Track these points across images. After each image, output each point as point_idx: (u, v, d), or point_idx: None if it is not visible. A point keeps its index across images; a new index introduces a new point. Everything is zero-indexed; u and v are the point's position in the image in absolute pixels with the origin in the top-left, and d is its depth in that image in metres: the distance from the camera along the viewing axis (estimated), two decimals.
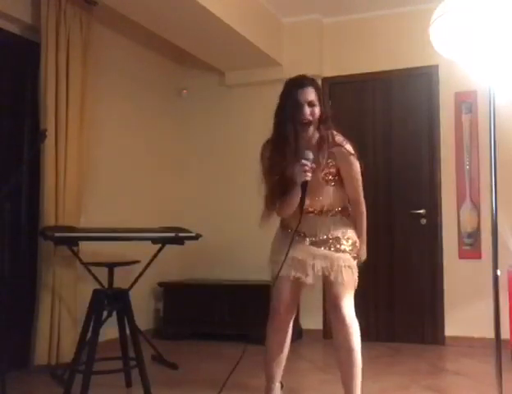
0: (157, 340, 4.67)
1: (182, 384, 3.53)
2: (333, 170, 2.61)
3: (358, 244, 2.69)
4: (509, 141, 3.94)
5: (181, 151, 5.57)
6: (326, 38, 5.16)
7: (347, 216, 2.73)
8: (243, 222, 5.17)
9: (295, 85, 2.54)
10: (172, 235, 3.75)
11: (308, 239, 2.67)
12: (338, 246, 2.64)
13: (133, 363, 3.23)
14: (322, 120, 2.57)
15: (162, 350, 4.06)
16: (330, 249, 2.63)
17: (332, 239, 2.65)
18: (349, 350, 2.55)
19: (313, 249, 2.64)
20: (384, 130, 4.96)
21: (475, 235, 4.61)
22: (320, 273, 2.57)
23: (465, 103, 4.71)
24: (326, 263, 2.58)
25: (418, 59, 4.75)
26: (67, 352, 3.76)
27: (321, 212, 2.68)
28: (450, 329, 4.63)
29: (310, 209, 2.66)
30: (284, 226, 2.77)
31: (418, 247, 4.80)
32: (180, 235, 3.78)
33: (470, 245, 4.62)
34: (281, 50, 5.10)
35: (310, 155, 2.44)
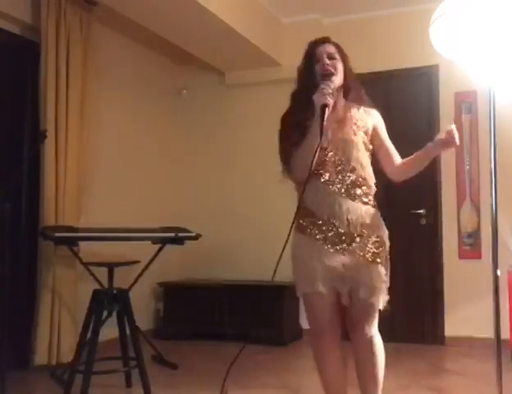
0: (157, 340, 4.67)
1: (182, 384, 3.53)
2: (366, 134, 2.31)
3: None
4: (509, 141, 3.93)
5: (181, 151, 5.57)
6: None
7: (377, 207, 2.31)
8: (243, 222, 5.17)
9: (316, 43, 2.37)
10: (172, 235, 3.75)
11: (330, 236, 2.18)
12: (374, 252, 2.20)
13: (133, 363, 3.23)
14: (348, 78, 2.32)
15: (162, 350, 4.06)
16: (364, 254, 2.18)
17: (369, 240, 2.21)
18: (371, 369, 2.33)
19: (340, 256, 2.17)
20: None
21: (475, 235, 4.61)
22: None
23: (465, 103, 4.70)
24: (360, 279, 2.18)
25: (418, 59, 4.75)
26: (67, 352, 3.76)
27: (350, 191, 2.21)
28: (450, 329, 4.63)
29: (333, 186, 2.19)
30: (304, 227, 2.23)
31: (418, 247, 4.79)
32: (180, 235, 3.78)
33: (470, 245, 4.62)
34: (281, 50, 5.10)
35: (331, 84, 2.15)
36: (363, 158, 2.29)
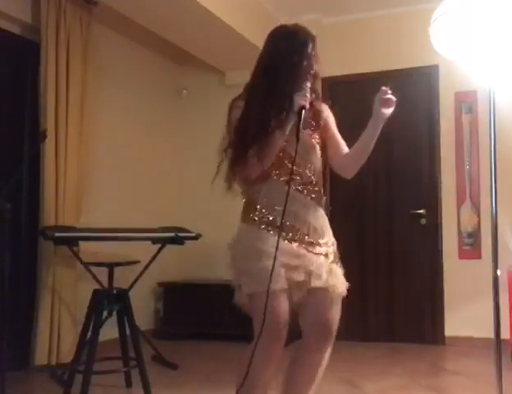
0: (157, 340, 4.67)
1: (182, 384, 3.53)
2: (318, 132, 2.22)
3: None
4: (509, 141, 3.94)
5: (181, 151, 5.57)
6: (326, 38, 5.15)
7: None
8: None
9: (312, 37, 2.17)
10: (172, 235, 3.75)
11: (293, 236, 2.07)
12: (332, 252, 2.16)
13: (133, 363, 3.23)
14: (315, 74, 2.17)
15: (162, 350, 4.06)
16: (325, 255, 2.12)
17: (328, 241, 2.16)
18: (320, 369, 2.15)
19: (306, 253, 2.07)
20: (384, 130, 4.91)
21: (475, 235, 4.61)
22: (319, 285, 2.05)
23: (465, 103, 4.70)
24: (329, 277, 2.09)
25: (418, 59, 4.75)
26: (67, 352, 3.76)
27: (310, 191, 2.14)
28: (450, 329, 4.63)
29: (299, 186, 2.11)
30: (252, 218, 2.11)
31: (418, 247, 4.79)
32: (180, 235, 3.78)
33: (470, 245, 4.62)
34: None
35: (308, 85, 2.06)
36: (318, 160, 2.21)
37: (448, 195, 4.72)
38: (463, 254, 4.65)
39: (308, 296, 2.07)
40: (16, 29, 3.92)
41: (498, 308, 2.37)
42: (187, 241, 3.85)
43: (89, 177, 4.21)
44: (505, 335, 3.02)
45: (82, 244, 3.58)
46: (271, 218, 2.08)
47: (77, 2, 4.03)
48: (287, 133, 2.04)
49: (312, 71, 2.13)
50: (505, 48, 2.36)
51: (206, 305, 4.95)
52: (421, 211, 4.78)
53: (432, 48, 2.51)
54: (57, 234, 3.37)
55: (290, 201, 2.00)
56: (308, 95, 2.05)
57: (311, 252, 2.08)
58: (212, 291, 4.98)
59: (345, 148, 2.28)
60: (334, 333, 2.13)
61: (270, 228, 2.07)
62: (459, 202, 4.69)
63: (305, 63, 2.11)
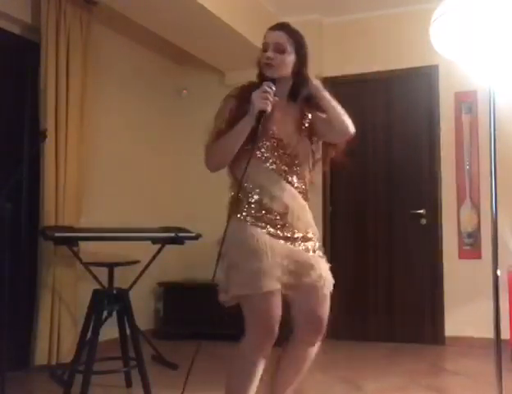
0: (157, 340, 4.67)
1: (182, 384, 3.52)
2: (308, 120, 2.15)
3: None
4: (509, 141, 3.94)
5: (181, 151, 5.57)
6: (326, 39, 5.16)
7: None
8: None
9: (269, 29, 2.15)
10: (172, 235, 3.75)
11: (281, 231, 2.04)
12: (317, 247, 2.14)
13: (133, 363, 3.23)
14: (297, 72, 2.11)
15: (162, 350, 4.06)
16: (313, 251, 2.10)
17: (314, 236, 2.14)
18: (308, 361, 2.20)
19: (292, 249, 2.04)
20: (384, 131, 4.96)
21: (475, 235, 4.60)
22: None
23: (465, 103, 4.70)
24: (318, 273, 2.08)
25: (418, 59, 4.75)
26: (67, 352, 3.76)
27: (292, 181, 2.11)
28: (450, 329, 4.63)
29: (289, 179, 2.09)
30: (241, 213, 2.10)
31: (418, 247, 4.79)
32: (180, 235, 3.78)
33: (470, 245, 4.62)
34: None
35: (271, 85, 2.00)
36: (306, 150, 2.17)
37: (448, 195, 4.72)
38: (463, 254, 4.64)
39: (299, 293, 2.08)
40: (16, 29, 3.92)
41: (498, 308, 2.38)
42: (187, 241, 3.85)
43: (89, 177, 4.21)
44: (505, 335, 3.03)
45: (82, 244, 3.59)
46: (260, 213, 2.06)
47: (77, 2, 4.03)
48: (241, 135, 1.98)
49: (265, 61, 2.07)
50: (505, 48, 2.36)
51: (206, 305, 4.93)
52: (421, 211, 4.78)
53: (432, 48, 2.51)
54: (57, 234, 3.37)
55: (279, 190, 2.03)
56: (270, 98, 1.97)
57: (300, 248, 2.07)
58: (212, 291, 4.97)
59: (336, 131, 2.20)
60: (324, 328, 2.16)
61: (260, 224, 2.04)
62: (459, 202, 4.68)
63: (261, 56, 2.11)
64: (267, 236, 2.01)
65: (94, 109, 4.30)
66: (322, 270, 2.10)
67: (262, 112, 1.97)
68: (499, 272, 2.38)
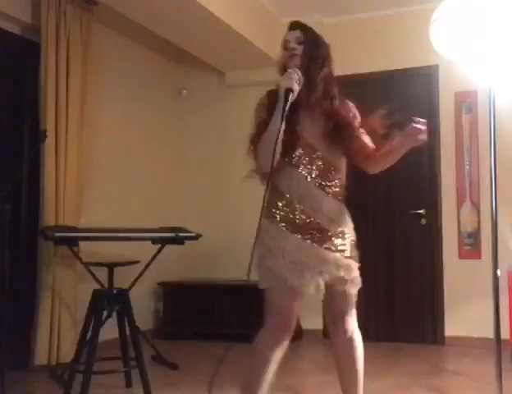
0: (157, 340, 4.67)
1: (182, 384, 3.53)
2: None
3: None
4: (509, 141, 3.94)
5: (181, 151, 5.57)
6: (326, 38, 5.14)
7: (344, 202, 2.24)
8: (243, 222, 5.17)
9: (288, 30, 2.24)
10: (172, 235, 3.75)
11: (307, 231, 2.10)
12: (346, 248, 2.17)
13: (133, 363, 3.23)
14: (310, 72, 2.14)
15: (162, 350, 4.05)
16: (338, 250, 2.14)
17: (342, 235, 2.17)
18: (354, 365, 2.26)
19: (317, 248, 2.10)
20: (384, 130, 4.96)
21: (475, 235, 4.60)
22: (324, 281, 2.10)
23: (465, 103, 4.70)
24: (338, 272, 2.11)
25: (418, 59, 4.75)
26: (67, 352, 3.76)
27: (323, 184, 2.15)
28: (450, 329, 4.63)
29: (310, 175, 2.14)
30: (274, 215, 2.15)
31: (418, 247, 4.79)
32: (180, 235, 3.78)
33: (470, 245, 4.62)
34: None
35: (296, 69, 2.06)
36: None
37: (448, 195, 4.72)
38: (463, 254, 4.64)
39: (326, 290, 2.13)
40: (16, 29, 3.92)
41: (498, 308, 2.37)
42: (187, 241, 3.85)
43: (89, 177, 4.21)
44: (505, 335, 3.03)
45: (82, 244, 3.59)
46: (291, 216, 2.12)
47: (77, 2, 4.03)
48: (279, 120, 1.98)
49: (292, 53, 2.14)
50: (505, 48, 2.36)
51: (206, 305, 4.95)
52: (421, 211, 4.78)
53: (432, 48, 2.51)
54: (57, 234, 3.37)
55: (305, 192, 2.10)
56: (297, 77, 2.02)
57: (326, 249, 2.12)
58: (212, 291, 4.98)
59: (370, 145, 2.36)
60: (346, 318, 2.22)
61: (288, 226, 2.12)
62: (459, 202, 4.68)
63: (283, 51, 2.20)
64: (297, 237, 2.10)
65: (94, 109, 4.30)
66: (346, 270, 2.14)
67: (289, 90, 1.99)
68: (499, 272, 2.38)
